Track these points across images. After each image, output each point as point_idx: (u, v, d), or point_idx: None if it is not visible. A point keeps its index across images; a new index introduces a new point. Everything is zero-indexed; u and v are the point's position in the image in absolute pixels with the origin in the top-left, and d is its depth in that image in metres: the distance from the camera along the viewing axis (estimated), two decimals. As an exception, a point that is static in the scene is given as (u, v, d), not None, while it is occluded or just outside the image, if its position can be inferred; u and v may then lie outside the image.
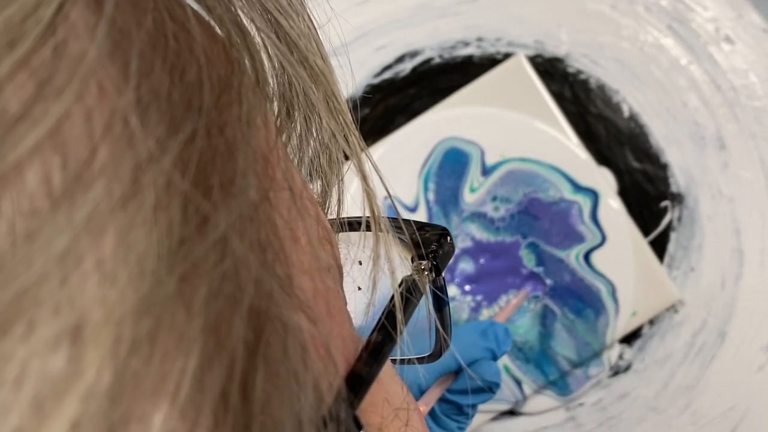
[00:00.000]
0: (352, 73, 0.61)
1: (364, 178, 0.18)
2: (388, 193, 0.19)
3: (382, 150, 0.60)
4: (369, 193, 0.18)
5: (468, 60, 0.62)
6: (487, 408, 0.57)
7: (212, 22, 0.15)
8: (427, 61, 0.62)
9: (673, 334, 0.57)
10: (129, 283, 0.11)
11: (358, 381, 0.18)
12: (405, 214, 0.59)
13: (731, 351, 0.57)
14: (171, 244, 0.11)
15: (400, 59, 0.62)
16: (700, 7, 0.60)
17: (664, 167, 0.59)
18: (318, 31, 0.17)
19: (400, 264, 0.21)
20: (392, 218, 0.20)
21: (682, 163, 0.59)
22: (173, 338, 0.11)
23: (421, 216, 0.60)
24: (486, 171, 0.59)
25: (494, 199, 0.59)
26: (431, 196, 0.60)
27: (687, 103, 0.60)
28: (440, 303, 0.24)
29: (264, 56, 0.16)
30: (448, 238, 0.23)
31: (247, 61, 0.15)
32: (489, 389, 0.46)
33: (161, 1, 0.14)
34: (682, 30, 0.60)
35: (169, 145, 0.12)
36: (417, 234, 0.22)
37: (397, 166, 0.60)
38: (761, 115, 0.59)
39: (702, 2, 0.60)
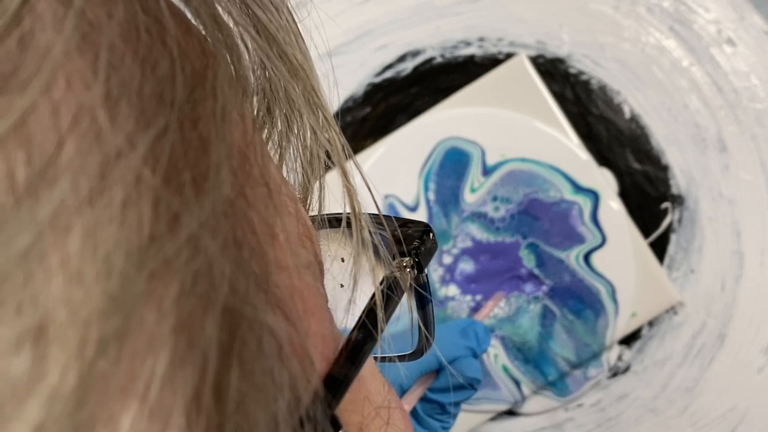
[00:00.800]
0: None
1: (344, 173, 0.18)
2: (367, 185, 0.19)
3: (382, 149, 0.60)
4: (349, 189, 0.18)
5: (470, 60, 0.62)
6: (486, 408, 0.57)
7: (188, 14, 0.15)
8: (429, 60, 0.62)
9: (673, 336, 0.57)
10: (96, 281, 0.10)
11: (337, 380, 0.17)
12: (405, 214, 0.59)
13: (731, 353, 0.56)
14: (140, 241, 0.11)
15: (401, 58, 0.62)
16: (702, 8, 0.60)
17: (664, 169, 0.59)
18: (298, 25, 0.17)
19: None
20: (373, 215, 0.20)
21: (682, 165, 0.59)
22: (143, 338, 0.11)
23: (421, 216, 0.59)
24: (486, 171, 0.59)
25: (494, 199, 0.59)
26: (432, 196, 0.59)
27: (688, 105, 0.59)
28: (423, 301, 0.24)
29: (243, 50, 0.16)
30: (431, 234, 0.22)
31: (224, 55, 0.15)
32: (470, 386, 0.45)
33: None
34: (684, 32, 0.60)
35: (139, 140, 0.12)
36: (399, 231, 0.22)
37: (398, 166, 0.60)
38: (762, 117, 0.58)
39: (704, 4, 0.60)
